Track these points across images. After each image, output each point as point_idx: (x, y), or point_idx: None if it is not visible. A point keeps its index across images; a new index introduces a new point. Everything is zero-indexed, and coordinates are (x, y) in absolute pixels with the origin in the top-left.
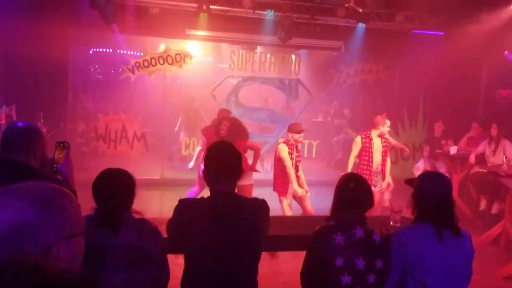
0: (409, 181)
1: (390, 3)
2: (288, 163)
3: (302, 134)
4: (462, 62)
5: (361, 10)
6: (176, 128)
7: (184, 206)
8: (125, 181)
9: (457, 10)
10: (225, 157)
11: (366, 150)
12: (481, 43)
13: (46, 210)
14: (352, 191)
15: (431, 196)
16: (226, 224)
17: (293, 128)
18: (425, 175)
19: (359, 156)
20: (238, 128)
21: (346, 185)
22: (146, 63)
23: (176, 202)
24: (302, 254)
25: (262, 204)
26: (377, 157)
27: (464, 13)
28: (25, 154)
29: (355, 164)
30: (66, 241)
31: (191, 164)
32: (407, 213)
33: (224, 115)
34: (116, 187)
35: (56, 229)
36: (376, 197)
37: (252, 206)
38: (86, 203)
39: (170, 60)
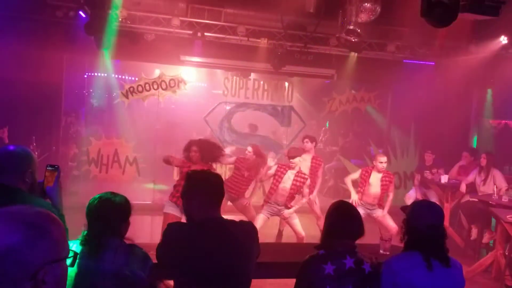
0: (404, 208)
1: (382, 34)
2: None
3: (292, 160)
4: (452, 92)
5: (353, 40)
6: None
7: (172, 230)
8: (118, 207)
9: (448, 41)
10: (208, 184)
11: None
12: (471, 74)
13: (33, 234)
14: (342, 220)
15: (421, 224)
16: (215, 250)
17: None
18: (418, 203)
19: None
20: (209, 149)
21: (336, 214)
22: (140, 88)
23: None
24: (292, 281)
25: (250, 227)
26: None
27: (454, 45)
28: (15, 178)
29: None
30: (52, 265)
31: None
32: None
33: (190, 142)
34: (107, 211)
35: (43, 253)
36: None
37: (240, 229)
38: (75, 227)
39: (164, 86)
